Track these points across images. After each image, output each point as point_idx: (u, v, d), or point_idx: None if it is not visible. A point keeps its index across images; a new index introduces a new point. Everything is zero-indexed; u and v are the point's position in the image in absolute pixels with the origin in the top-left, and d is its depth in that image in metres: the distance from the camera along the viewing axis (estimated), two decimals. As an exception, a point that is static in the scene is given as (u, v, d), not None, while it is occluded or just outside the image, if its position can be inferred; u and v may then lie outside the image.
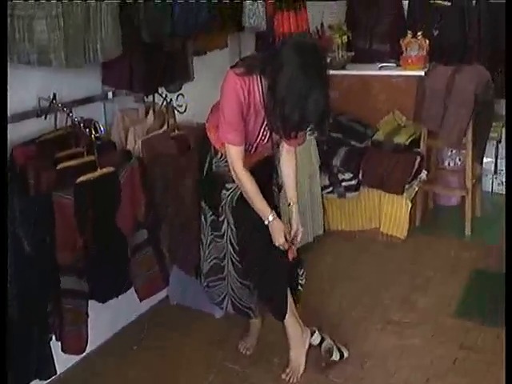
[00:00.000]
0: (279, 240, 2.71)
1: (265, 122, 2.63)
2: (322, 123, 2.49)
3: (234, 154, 2.62)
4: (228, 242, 2.84)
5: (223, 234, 2.84)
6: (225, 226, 2.82)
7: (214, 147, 2.78)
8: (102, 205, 2.50)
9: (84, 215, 2.41)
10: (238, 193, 2.75)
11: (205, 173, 2.83)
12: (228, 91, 2.54)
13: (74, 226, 2.39)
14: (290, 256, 2.80)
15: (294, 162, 2.87)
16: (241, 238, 2.81)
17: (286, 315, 2.82)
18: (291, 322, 2.85)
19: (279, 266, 2.81)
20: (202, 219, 2.91)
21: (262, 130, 2.68)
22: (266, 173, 2.89)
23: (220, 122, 2.61)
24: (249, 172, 2.65)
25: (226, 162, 2.71)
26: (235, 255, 2.85)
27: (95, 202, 2.46)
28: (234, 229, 2.80)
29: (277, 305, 2.85)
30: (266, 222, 2.69)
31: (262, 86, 2.53)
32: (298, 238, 2.85)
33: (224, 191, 2.78)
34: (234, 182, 2.73)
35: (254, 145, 2.75)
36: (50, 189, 2.35)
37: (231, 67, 2.60)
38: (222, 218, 2.81)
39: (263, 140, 2.73)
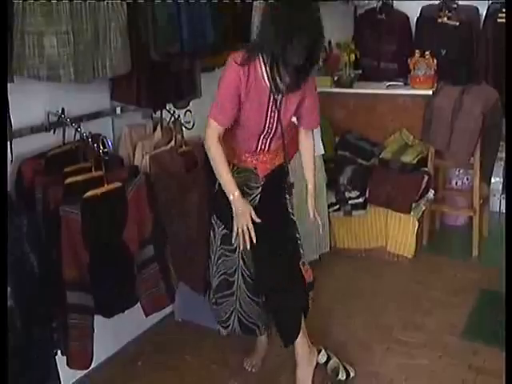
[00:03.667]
0: (245, 219, 2.62)
1: (270, 103, 2.64)
2: (316, 52, 2.51)
3: (213, 130, 2.62)
4: (240, 256, 2.83)
5: (235, 249, 2.82)
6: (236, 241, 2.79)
7: (233, 163, 2.77)
8: (109, 220, 2.49)
9: (91, 230, 2.40)
10: (255, 204, 2.74)
11: (217, 186, 2.79)
12: (226, 78, 2.58)
13: (80, 241, 2.38)
14: (307, 277, 2.78)
15: (311, 145, 2.94)
16: (257, 255, 2.78)
17: (295, 341, 2.80)
18: (300, 340, 2.82)
19: (297, 289, 2.80)
20: (211, 234, 2.89)
21: (269, 112, 2.67)
22: (278, 186, 2.87)
23: (214, 101, 2.64)
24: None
25: (240, 173, 2.74)
26: (246, 270, 2.84)
27: (102, 218, 2.46)
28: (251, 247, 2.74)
29: (289, 330, 2.83)
30: (231, 198, 2.64)
31: (264, 64, 2.55)
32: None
33: None
34: (249, 194, 2.75)
35: (264, 134, 2.72)
36: (58, 204, 2.34)
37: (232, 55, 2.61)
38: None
39: (272, 124, 2.70)
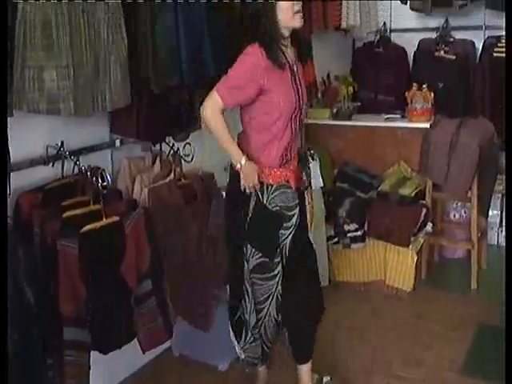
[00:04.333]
0: (253, 181, 2.65)
1: (291, 76, 2.69)
2: None
3: (214, 103, 2.59)
4: (278, 281, 2.79)
5: (275, 275, 2.77)
6: (279, 267, 2.77)
7: (264, 182, 2.71)
8: (107, 254, 2.47)
9: (88, 264, 2.38)
10: (296, 226, 2.75)
11: (250, 213, 2.72)
12: (245, 59, 2.62)
13: (77, 276, 2.36)
14: None
15: None
16: (293, 277, 2.80)
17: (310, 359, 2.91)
18: (307, 367, 2.92)
19: (319, 308, 2.93)
20: (245, 265, 2.80)
21: (294, 85, 2.70)
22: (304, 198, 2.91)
23: (226, 76, 2.62)
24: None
25: (274, 192, 2.70)
26: (279, 294, 2.81)
27: (100, 252, 2.43)
28: (287, 267, 2.78)
29: (306, 347, 2.92)
30: (239, 166, 2.64)
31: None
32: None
33: (283, 231, 2.74)
34: (290, 218, 2.73)
35: (295, 114, 2.71)
36: (55, 238, 2.33)
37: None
38: (278, 259, 2.76)
39: (298, 97, 2.71)
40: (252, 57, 2.60)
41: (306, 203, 2.93)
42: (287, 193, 2.74)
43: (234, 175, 2.73)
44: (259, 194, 2.70)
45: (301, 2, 2.66)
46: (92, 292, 2.39)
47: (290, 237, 2.76)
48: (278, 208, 2.71)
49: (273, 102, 2.63)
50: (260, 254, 2.75)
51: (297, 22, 2.65)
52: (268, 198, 2.70)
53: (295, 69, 2.74)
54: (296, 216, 2.76)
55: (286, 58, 2.69)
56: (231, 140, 2.65)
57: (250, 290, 2.84)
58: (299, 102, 2.72)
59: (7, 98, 2.10)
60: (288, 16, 2.62)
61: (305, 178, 2.91)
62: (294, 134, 2.76)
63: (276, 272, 2.76)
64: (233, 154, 2.66)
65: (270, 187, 2.71)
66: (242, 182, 2.66)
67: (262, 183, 2.69)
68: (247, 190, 2.67)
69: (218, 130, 2.62)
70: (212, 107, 2.59)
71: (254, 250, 2.76)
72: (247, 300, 2.87)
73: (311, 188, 3.00)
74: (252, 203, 2.72)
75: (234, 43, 3.31)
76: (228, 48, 3.14)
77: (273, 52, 2.60)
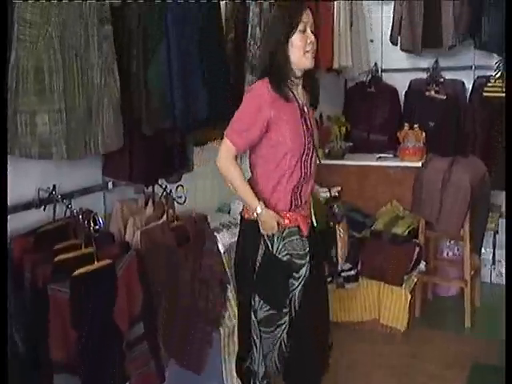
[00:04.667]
0: (273, 229, 2.59)
1: (300, 116, 2.64)
2: None
3: (228, 150, 2.56)
4: (284, 330, 2.70)
5: (282, 324, 2.69)
6: (287, 317, 2.69)
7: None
8: (99, 298, 2.45)
9: (80, 309, 2.35)
10: (306, 277, 2.67)
11: (259, 262, 2.64)
12: (251, 97, 2.61)
13: (68, 320, 2.33)
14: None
15: None
16: (301, 324, 2.71)
17: None
18: None
19: (324, 363, 2.84)
20: (252, 316, 2.71)
21: (303, 126, 2.65)
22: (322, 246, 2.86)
23: (234, 118, 2.60)
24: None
25: (285, 239, 2.63)
26: (283, 343, 2.73)
27: (91, 296, 2.41)
28: (295, 315, 2.69)
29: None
30: (255, 215, 2.58)
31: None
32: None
33: (292, 281, 2.66)
34: (300, 268, 2.65)
35: (305, 154, 2.64)
36: (46, 282, 2.31)
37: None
38: (287, 310, 2.68)
39: (308, 138, 2.65)
40: (258, 91, 2.58)
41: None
42: (298, 239, 2.67)
43: (244, 223, 2.72)
44: (268, 241, 2.63)
45: (314, 42, 2.60)
46: (83, 337, 2.36)
47: (299, 287, 2.67)
48: (288, 256, 2.64)
49: (279, 139, 2.58)
50: (268, 307, 2.66)
51: (307, 61, 2.60)
52: (278, 245, 2.63)
53: (305, 110, 2.69)
54: (306, 266, 2.68)
55: (296, 97, 2.65)
56: (247, 187, 2.60)
57: (258, 342, 2.74)
58: (309, 143, 2.65)
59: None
60: (299, 55, 2.58)
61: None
62: (305, 177, 2.68)
63: (283, 322, 2.69)
64: (249, 202, 2.61)
65: (280, 233, 2.64)
66: (261, 229, 2.60)
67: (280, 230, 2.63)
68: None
69: (234, 178, 2.59)
70: (225, 156, 2.57)
71: (261, 301, 2.67)
72: (255, 351, 2.76)
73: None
74: (260, 252, 2.65)
75: (228, 86, 3.38)
76: (222, 91, 3.19)
77: (280, 85, 2.57)
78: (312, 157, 2.70)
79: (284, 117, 2.57)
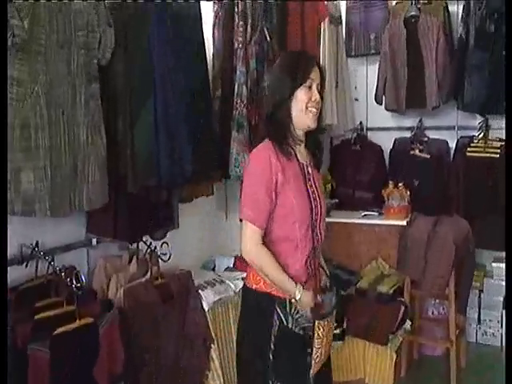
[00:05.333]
0: (310, 306, 2.34)
1: (305, 178, 2.45)
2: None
3: (252, 233, 2.30)
4: None
5: None
6: None
7: (284, 299, 2.37)
8: (80, 357, 2.41)
9: (60, 369, 2.31)
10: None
11: (273, 337, 2.35)
12: (256, 168, 2.37)
13: (48, 380, 2.29)
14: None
15: None
16: None
17: None
18: None
19: None
20: None
21: (308, 187, 2.44)
22: None
23: (243, 197, 2.37)
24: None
25: (298, 313, 2.37)
26: None
27: (72, 355, 2.37)
28: None
29: None
30: (294, 301, 2.32)
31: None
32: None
33: (309, 358, 2.36)
34: (304, 338, 2.37)
35: (314, 218, 2.41)
36: (26, 341, 2.28)
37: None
38: None
39: (316, 200, 2.44)
40: (262, 153, 2.37)
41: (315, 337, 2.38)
42: (305, 315, 2.40)
43: (254, 294, 2.43)
44: (281, 315, 2.36)
45: (319, 102, 2.42)
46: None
47: (314, 362, 2.38)
48: (303, 331, 2.38)
49: (285, 204, 2.36)
50: None
51: (309, 120, 2.40)
52: (293, 318, 2.37)
53: (309, 171, 2.49)
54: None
55: (298, 159, 2.44)
56: (284, 276, 2.32)
57: None
58: (316, 207, 2.44)
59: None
60: (301, 110, 2.38)
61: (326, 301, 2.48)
62: (317, 246, 2.48)
63: None
64: (288, 289, 2.33)
65: (294, 307, 2.37)
66: (298, 307, 2.35)
67: (284, 300, 2.37)
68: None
69: (267, 265, 2.32)
70: (253, 242, 2.32)
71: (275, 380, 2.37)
72: None
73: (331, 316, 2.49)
74: (275, 328, 2.36)
75: (214, 144, 3.41)
76: (207, 149, 3.22)
77: (282, 144, 2.38)
78: (320, 223, 2.48)
79: (289, 182, 2.36)
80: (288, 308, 2.36)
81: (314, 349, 2.35)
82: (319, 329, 2.36)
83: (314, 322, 2.35)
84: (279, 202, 2.35)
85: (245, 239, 2.33)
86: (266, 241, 2.37)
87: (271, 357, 2.34)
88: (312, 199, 2.43)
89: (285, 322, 2.36)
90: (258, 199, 2.32)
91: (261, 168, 2.34)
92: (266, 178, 2.32)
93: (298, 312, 2.37)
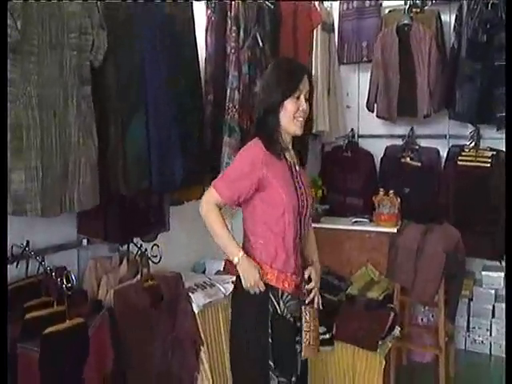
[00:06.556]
0: (254, 278, 2.46)
1: (293, 174, 2.59)
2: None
3: (212, 198, 2.49)
4: None
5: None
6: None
7: (276, 288, 2.53)
8: (69, 357, 2.41)
9: (49, 368, 2.31)
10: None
11: (270, 323, 2.49)
12: (245, 152, 2.56)
13: (38, 380, 2.28)
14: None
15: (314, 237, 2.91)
16: None
17: None
18: None
19: None
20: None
21: (296, 183, 2.58)
22: None
23: (221, 173, 2.58)
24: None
25: (289, 302, 2.54)
26: None
27: (62, 355, 2.37)
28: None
29: None
30: (235, 261, 2.48)
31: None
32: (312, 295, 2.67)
33: (297, 346, 2.58)
34: (297, 330, 2.57)
35: (299, 211, 2.55)
36: (16, 340, 2.27)
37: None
38: (294, 379, 2.58)
39: (303, 195, 2.58)
40: (252, 149, 2.53)
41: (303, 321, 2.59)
42: (297, 303, 2.59)
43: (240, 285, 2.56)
44: (275, 302, 2.52)
45: (306, 111, 2.56)
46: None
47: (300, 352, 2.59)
48: (293, 318, 2.56)
49: (275, 197, 2.50)
50: (284, 379, 2.54)
51: (296, 128, 2.56)
52: (285, 305, 2.53)
53: (297, 169, 2.63)
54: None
55: (286, 158, 2.58)
56: (229, 236, 2.49)
57: None
58: (303, 202, 2.58)
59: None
60: (289, 120, 2.53)
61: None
62: (300, 237, 2.63)
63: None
64: (228, 250, 2.51)
65: (285, 295, 2.54)
66: (243, 282, 2.50)
67: (277, 289, 2.53)
68: (251, 291, 2.49)
69: (214, 225, 2.48)
70: (207, 200, 2.51)
71: (277, 370, 2.51)
72: None
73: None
74: (271, 314, 2.51)
75: (205, 148, 3.42)
76: (199, 153, 3.23)
77: (271, 144, 2.52)
78: (306, 218, 2.64)
79: (277, 176, 2.50)
80: (279, 296, 2.53)
81: (303, 332, 2.56)
82: (306, 314, 2.58)
83: (301, 309, 2.58)
84: (269, 195, 2.51)
85: (203, 198, 2.56)
86: (255, 232, 2.56)
87: (270, 341, 2.49)
88: (299, 194, 2.58)
89: (278, 310, 2.53)
90: (236, 180, 2.48)
91: (250, 157, 2.51)
92: (253, 166, 2.48)
93: (288, 301, 2.54)
